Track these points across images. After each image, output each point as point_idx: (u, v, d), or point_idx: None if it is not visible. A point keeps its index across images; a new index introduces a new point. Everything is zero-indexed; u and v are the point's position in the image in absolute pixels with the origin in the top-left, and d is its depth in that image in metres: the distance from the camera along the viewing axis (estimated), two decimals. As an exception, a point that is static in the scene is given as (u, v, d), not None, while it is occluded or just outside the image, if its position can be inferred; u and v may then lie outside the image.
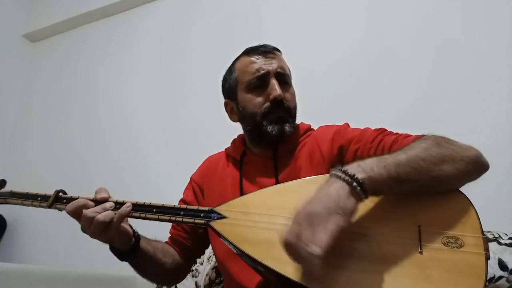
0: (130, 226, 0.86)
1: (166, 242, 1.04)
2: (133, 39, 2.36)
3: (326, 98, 1.68)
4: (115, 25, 2.46)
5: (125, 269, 1.49)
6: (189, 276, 1.33)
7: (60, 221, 2.08)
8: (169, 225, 1.05)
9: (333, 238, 0.57)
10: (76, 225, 2.22)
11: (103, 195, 0.81)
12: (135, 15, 2.41)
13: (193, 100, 2.05)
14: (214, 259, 1.30)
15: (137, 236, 0.87)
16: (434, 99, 1.52)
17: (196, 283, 1.32)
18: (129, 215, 0.79)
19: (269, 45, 1.04)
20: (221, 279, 1.27)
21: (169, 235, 1.06)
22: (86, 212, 0.77)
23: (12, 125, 2.53)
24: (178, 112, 2.07)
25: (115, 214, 0.78)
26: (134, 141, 2.12)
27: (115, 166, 2.09)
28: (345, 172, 0.63)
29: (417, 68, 1.59)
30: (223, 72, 1.12)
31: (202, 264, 1.33)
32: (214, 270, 1.28)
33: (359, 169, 0.64)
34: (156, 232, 0.98)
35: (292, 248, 0.59)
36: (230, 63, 1.08)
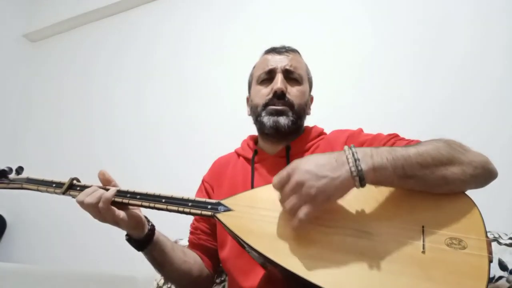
0: (146, 217, 0.87)
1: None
2: (133, 39, 2.36)
3: (327, 100, 1.69)
4: (115, 25, 2.46)
5: (125, 269, 1.50)
6: (189, 276, 1.32)
7: (60, 221, 2.09)
8: (177, 223, 1.06)
9: (314, 213, 0.65)
10: (76, 225, 2.20)
11: (103, 176, 0.84)
12: (135, 15, 2.41)
13: (194, 100, 2.06)
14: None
15: (152, 226, 0.88)
16: (433, 99, 1.52)
17: (196, 283, 1.32)
18: (112, 198, 0.80)
19: (289, 46, 1.08)
20: (222, 279, 1.27)
21: (188, 242, 1.06)
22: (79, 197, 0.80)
23: (12, 125, 2.53)
24: (181, 111, 2.07)
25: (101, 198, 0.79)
26: (136, 141, 2.13)
27: (116, 165, 2.08)
28: (355, 161, 0.66)
29: (418, 68, 1.60)
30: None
31: (202, 264, 1.32)
32: (214, 270, 1.28)
33: (370, 160, 0.67)
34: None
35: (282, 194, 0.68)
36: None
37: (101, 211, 0.78)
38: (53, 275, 1.26)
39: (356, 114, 1.61)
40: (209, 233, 1.04)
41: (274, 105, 0.98)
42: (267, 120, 0.98)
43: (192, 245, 1.04)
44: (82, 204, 0.79)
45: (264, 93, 1.01)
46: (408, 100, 1.56)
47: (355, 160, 0.66)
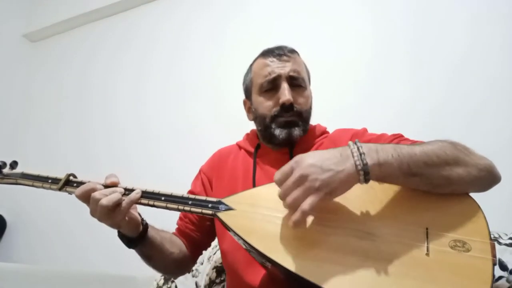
0: (139, 214, 0.86)
1: (173, 233, 1.04)
2: (133, 39, 2.36)
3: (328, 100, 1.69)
4: (115, 25, 2.46)
5: (125, 268, 1.49)
6: (189, 276, 1.32)
7: (60, 221, 2.09)
8: (177, 215, 1.06)
9: (317, 204, 0.63)
10: (75, 225, 2.20)
11: (112, 179, 0.81)
12: (135, 15, 2.42)
13: (193, 99, 2.06)
14: (214, 259, 1.30)
15: (145, 224, 0.88)
16: (434, 99, 1.52)
17: (196, 283, 1.32)
18: (138, 201, 0.79)
19: (286, 47, 1.03)
20: (222, 279, 1.27)
21: (176, 226, 1.07)
22: (94, 194, 0.77)
23: (12, 125, 2.52)
24: (180, 111, 2.07)
25: (124, 199, 0.78)
26: (135, 140, 2.13)
27: (114, 164, 2.09)
28: (360, 155, 0.66)
29: (416, 69, 1.60)
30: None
31: (202, 264, 1.32)
32: (214, 270, 1.28)
33: (375, 155, 0.66)
34: (163, 222, 0.99)
35: (283, 191, 0.65)
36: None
37: (118, 212, 0.77)
38: (53, 275, 1.26)
39: (356, 113, 1.61)
40: (197, 224, 1.04)
41: (283, 117, 0.95)
42: (279, 132, 0.95)
43: (179, 231, 1.05)
44: (97, 202, 0.76)
45: (270, 105, 0.97)
46: (409, 100, 1.56)
47: (360, 154, 0.65)
